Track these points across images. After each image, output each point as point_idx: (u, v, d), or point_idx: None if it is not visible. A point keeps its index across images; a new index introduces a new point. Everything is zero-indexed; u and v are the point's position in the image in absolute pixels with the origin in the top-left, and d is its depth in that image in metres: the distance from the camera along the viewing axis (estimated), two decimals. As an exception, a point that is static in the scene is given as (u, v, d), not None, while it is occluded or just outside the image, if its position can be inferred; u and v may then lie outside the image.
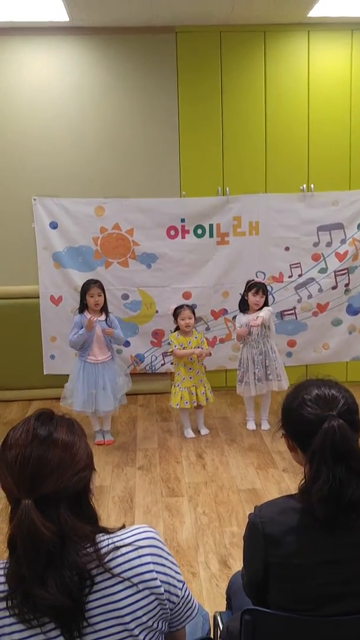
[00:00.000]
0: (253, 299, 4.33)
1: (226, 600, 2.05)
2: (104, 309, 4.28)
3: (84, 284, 4.32)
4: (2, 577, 1.19)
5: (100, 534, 1.23)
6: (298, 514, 1.43)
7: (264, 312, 4.30)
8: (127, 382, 4.41)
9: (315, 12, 4.68)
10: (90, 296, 4.21)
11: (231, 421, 4.75)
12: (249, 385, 4.40)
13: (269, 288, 4.86)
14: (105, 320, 4.24)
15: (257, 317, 4.26)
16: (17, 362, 5.20)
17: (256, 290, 4.33)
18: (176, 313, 4.37)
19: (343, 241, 5.06)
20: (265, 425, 4.54)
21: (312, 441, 1.39)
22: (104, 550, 1.19)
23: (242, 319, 4.39)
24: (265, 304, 4.40)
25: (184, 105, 5.03)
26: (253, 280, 4.46)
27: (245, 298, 4.39)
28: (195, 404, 4.40)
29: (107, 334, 4.19)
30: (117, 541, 1.22)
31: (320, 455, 1.38)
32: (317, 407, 1.43)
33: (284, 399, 1.56)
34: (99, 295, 4.22)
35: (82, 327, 4.18)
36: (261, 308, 4.35)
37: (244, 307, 4.42)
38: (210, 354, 4.49)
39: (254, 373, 4.36)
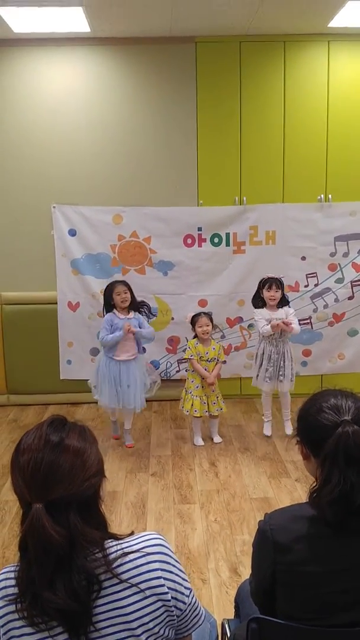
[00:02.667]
0: (268, 294, 4.30)
1: (234, 608, 2.06)
2: (133, 307, 4.29)
3: (108, 285, 4.35)
4: (13, 580, 1.22)
5: (109, 540, 1.26)
6: (308, 522, 1.43)
7: (295, 320, 4.30)
8: (157, 379, 4.46)
9: (335, 23, 4.70)
10: (117, 294, 4.23)
11: (245, 430, 4.76)
12: (263, 381, 4.40)
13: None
14: (133, 318, 4.24)
15: (290, 322, 4.25)
16: (34, 367, 5.27)
17: (270, 285, 4.31)
18: (194, 321, 4.40)
19: (360, 251, 5.05)
20: (288, 429, 4.49)
21: (325, 446, 1.41)
22: (112, 556, 1.22)
23: (263, 313, 4.33)
24: (283, 298, 4.36)
25: (203, 115, 5.08)
26: (265, 276, 4.41)
27: (261, 295, 4.37)
28: (207, 414, 4.42)
29: (131, 332, 4.18)
30: (125, 547, 1.25)
31: (333, 459, 1.39)
32: (334, 414, 1.46)
33: (301, 406, 1.58)
34: (125, 293, 4.24)
35: (112, 326, 4.20)
36: (281, 301, 4.33)
37: (258, 303, 4.39)
38: (224, 361, 4.50)
39: (267, 370, 4.36)
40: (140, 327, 4.27)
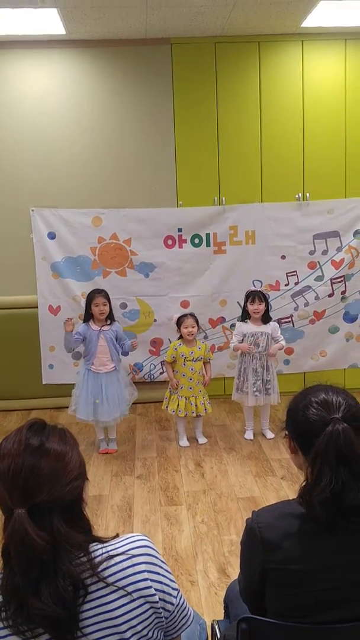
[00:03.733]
0: (251, 307, 4.36)
1: (224, 608, 2.05)
2: (110, 317, 4.30)
3: (89, 293, 4.36)
4: None
5: (94, 543, 1.24)
6: (297, 519, 1.42)
7: (280, 336, 4.40)
8: (133, 392, 4.44)
9: (309, 22, 4.73)
10: (95, 305, 4.23)
11: (230, 429, 4.76)
12: (247, 395, 4.41)
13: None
14: (108, 331, 4.24)
15: (275, 345, 4.38)
16: (16, 372, 5.21)
17: (252, 299, 4.36)
18: (179, 322, 4.40)
19: (339, 249, 5.08)
20: (269, 434, 4.54)
21: (315, 443, 1.40)
22: (97, 560, 1.20)
23: (242, 327, 4.42)
24: (267, 312, 4.41)
25: (180, 116, 5.08)
26: (249, 290, 4.49)
27: (246, 309, 4.41)
28: (194, 414, 4.41)
29: (134, 346, 4.34)
30: (110, 550, 1.23)
31: (324, 458, 1.38)
32: (323, 410, 1.45)
33: (291, 400, 1.57)
34: (104, 305, 4.24)
35: (82, 336, 4.22)
36: (264, 315, 4.37)
37: (245, 317, 4.45)
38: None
39: (254, 384, 4.38)
40: (117, 338, 4.30)
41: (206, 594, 2.74)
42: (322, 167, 5.16)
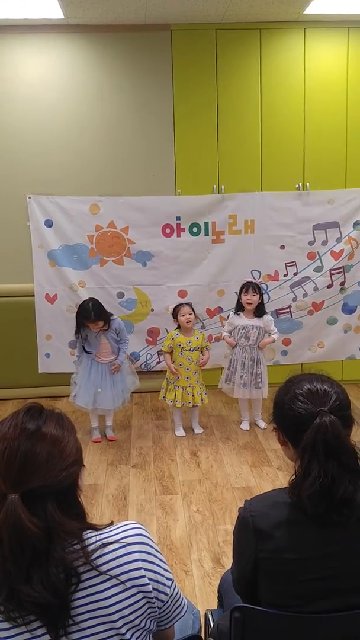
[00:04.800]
0: (244, 297, 4.33)
1: (218, 598, 2.05)
2: (106, 320, 4.19)
3: (79, 318, 4.16)
4: None
5: (88, 531, 1.22)
6: (289, 508, 1.41)
7: (274, 329, 4.35)
8: (135, 381, 4.44)
9: (311, 10, 4.68)
10: (90, 323, 4.12)
11: (226, 419, 4.75)
12: (233, 387, 4.40)
13: (264, 286, 4.87)
14: (107, 329, 4.21)
15: (266, 339, 4.34)
16: (12, 361, 5.19)
17: (246, 289, 4.33)
18: (175, 311, 4.37)
19: (339, 240, 5.05)
20: (261, 424, 4.53)
21: (303, 436, 1.38)
22: (91, 547, 1.18)
23: (234, 320, 4.40)
24: (261, 305, 4.38)
25: (180, 103, 5.03)
26: (244, 280, 4.45)
27: (240, 300, 4.38)
28: (190, 405, 4.40)
29: (114, 371, 4.27)
30: (104, 538, 1.21)
31: (312, 451, 1.37)
32: (309, 402, 1.43)
33: (276, 393, 1.55)
34: (96, 324, 4.11)
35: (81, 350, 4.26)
36: (258, 308, 4.34)
37: (239, 309, 4.42)
38: (207, 358, 4.47)
39: (241, 377, 4.36)
40: (117, 338, 4.28)
41: (200, 584, 2.74)
42: (322, 157, 5.12)
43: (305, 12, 4.73)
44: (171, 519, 3.30)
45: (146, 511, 3.39)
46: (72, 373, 4.44)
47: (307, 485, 1.35)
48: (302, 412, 1.42)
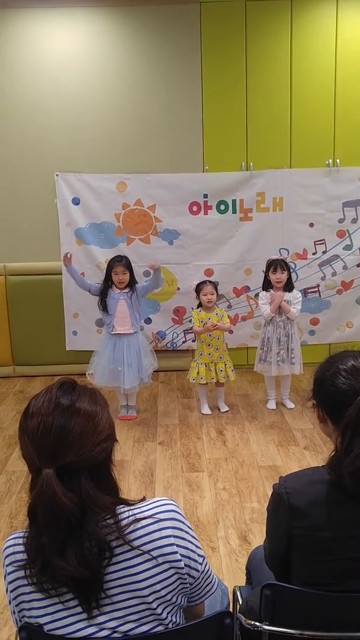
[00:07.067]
0: (273, 276, 4.28)
1: (246, 575, 2.05)
2: (131, 285, 4.26)
3: (110, 261, 4.33)
4: (22, 547, 1.20)
5: (121, 506, 1.22)
6: (326, 486, 1.40)
7: (296, 308, 4.28)
8: (153, 363, 4.41)
9: (344, -20, 4.53)
10: (114, 274, 4.22)
11: (252, 399, 4.74)
12: (270, 365, 4.37)
13: (292, 265, 4.81)
14: (131, 295, 4.23)
15: (286, 302, 4.24)
16: (40, 338, 5.24)
17: (274, 268, 4.28)
18: (198, 289, 4.35)
19: (369, 217, 4.95)
20: (289, 404, 4.51)
21: (345, 412, 1.36)
22: (124, 522, 1.19)
23: (267, 295, 4.33)
24: (289, 280, 4.33)
25: (208, 79, 4.94)
26: (270, 258, 4.39)
27: (268, 278, 4.34)
28: (213, 381, 4.40)
29: (151, 267, 4.29)
30: (137, 513, 1.22)
31: (355, 428, 1.35)
32: (352, 378, 1.41)
33: (317, 368, 1.53)
34: (124, 274, 4.21)
35: (98, 290, 4.30)
36: (287, 284, 4.29)
37: (267, 286, 4.38)
38: (230, 330, 4.44)
39: (278, 353, 4.33)
40: (138, 303, 4.31)
41: (227, 561, 2.76)
42: (353, 133, 5.01)
43: (338, -18, 4.59)
44: (197, 495, 3.32)
45: (173, 488, 3.42)
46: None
47: (349, 461, 1.34)
48: (344, 387, 1.41)
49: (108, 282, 4.28)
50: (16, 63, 4.92)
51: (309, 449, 3.80)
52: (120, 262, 4.24)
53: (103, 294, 4.27)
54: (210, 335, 4.31)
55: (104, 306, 4.28)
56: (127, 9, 4.83)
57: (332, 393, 1.44)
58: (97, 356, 4.34)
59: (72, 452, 1.15)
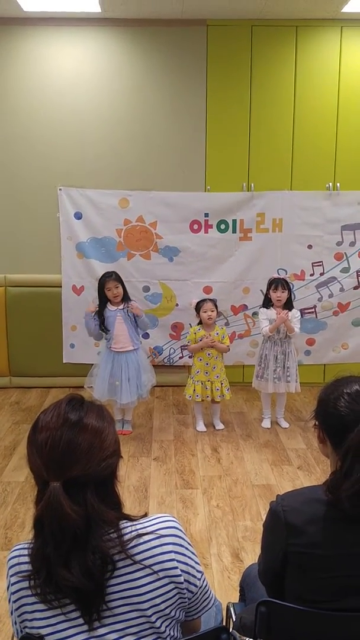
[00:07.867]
0: (274, 295, 4.34)
1: (239, 592, 2.07)
2: (125, 298, 4.31)
3: (100, 279, 4.34)
4: (27, 557, 1.22)
5: (124, 521, 1.25)
6: (323, 505, 1.42)
7: (296, 324, 4.32)
8: (151, 379, 4.43)
9: (349, 8, 4.64)
10: (108, 290, 4.24)
11: (247, 417, 4.77)
12: (267, 382, 4.40)
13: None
14: (124, 309, 4.27)
15: (287, 315, 4.27)
16: (38, 350, 5.26)
17: (276, 286, 4.34)
18: (198, 306, 4.40)
19: (367, 241, 5.03)
20: (284, 423, 4.54)
21: (347, 437, 1.39)
22: (127, 537, 1.22)
23: (268, 313, 4.37)
24: (290, 300, 4.39)
25: (212, 99, 5.03)
26: (272, 277, 4.46)
27: (269, 296, 4.39)
28: (209, 399, 4.43)
29: (134, 311, 4.25)
30: (140, 529, 1.25)
31: (356, 453, 1.37)
32: (356, 404, 1.44)
33: (322, 390, 1.55)
34: (116, 287, 4.24)
35: (94, 320, 4.25)
36: (287, 303, 4.34)
37: (267, 304, 4.43)
38: (227, 349, 4.48)
39: (274, 371, 4.37)
40: (135, 323, 4.31)
41: (219, 578, 2.77)
42: (354, 157, 5.09)
43: (342, 11, 4.70)
44: (191, 512, 3.34)
45: (167, 504, 3.43)
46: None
47: (347, 485, 1.37)
48: (347, 412, 1.43)
49: (103, 301, 4.28)
50: (25, 80, 5.00)
51: (302, 469, 3.83)
52: (111, 277, 4.27)
53: (100, 315, 4.27)
54: (209, 355, 4.35)
55: (103, 328, 4.28)
56: (136, 29, 4.93)
57: (334, 416, 1.46)
58: (97, 369, 4.36)
59: (79, 467, 1.19)
